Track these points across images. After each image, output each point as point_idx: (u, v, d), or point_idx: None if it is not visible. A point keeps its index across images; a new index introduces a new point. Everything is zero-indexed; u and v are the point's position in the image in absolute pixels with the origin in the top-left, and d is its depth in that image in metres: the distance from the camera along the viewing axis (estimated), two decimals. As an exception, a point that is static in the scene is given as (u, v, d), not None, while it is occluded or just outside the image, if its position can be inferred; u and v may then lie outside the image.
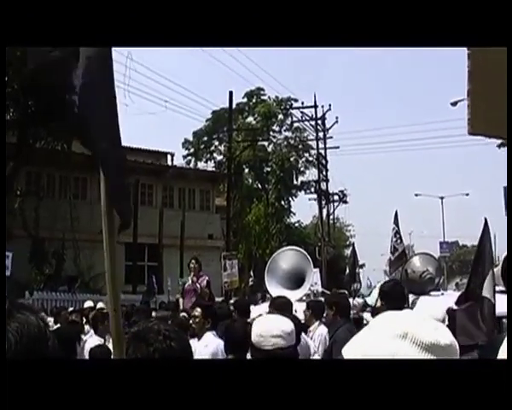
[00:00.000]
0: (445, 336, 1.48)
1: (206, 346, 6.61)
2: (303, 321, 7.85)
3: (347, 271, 16.44)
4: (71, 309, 14.92)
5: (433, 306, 5.94)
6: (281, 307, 6.99)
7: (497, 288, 6.27)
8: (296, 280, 10.84)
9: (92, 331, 9.35)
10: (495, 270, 6.51)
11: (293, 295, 10.11)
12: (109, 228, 2.38)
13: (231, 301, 10.19)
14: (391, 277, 11.40)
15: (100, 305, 13.55)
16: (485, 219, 6.18)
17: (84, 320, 11.88)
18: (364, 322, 9.83)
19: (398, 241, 10.09)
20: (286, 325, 3.96)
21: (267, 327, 3.91)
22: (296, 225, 50.74)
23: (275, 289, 10.51)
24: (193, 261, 12.36)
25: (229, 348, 5.18)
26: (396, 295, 6.31)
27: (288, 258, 11.40)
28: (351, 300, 11.97)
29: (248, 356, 4.19)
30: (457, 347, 1.49)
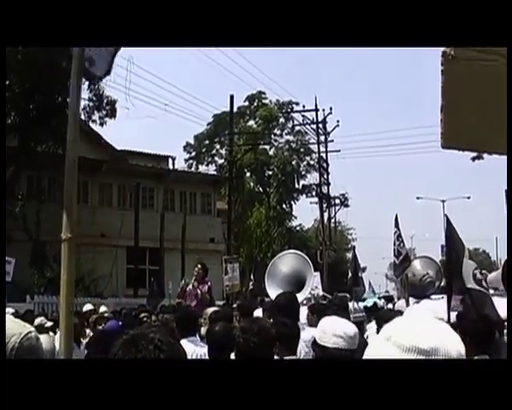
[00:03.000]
0: (428, 341, 1.48)
1: None
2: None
3: (350, 274, 16.46)
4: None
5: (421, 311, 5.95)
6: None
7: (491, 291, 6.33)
8: (296, 284, 10.80)
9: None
10: (494, 274, 6.52)
11: (293, 299, 10.09)
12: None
13: (234, 305, 10.18)
14: (397, 280, 11.43)
15: (103, 309, 13.45)
16: (447, 217, 6.32)
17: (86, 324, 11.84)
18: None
19: (402, 244, 10.05)
20: (350, 328, 4.05)
21: (332, 325, 4.01)
22: (297, 228, 50.76)
23: (275, 293, 10.47)
24: (198, 266, 12.39)
25: (211, 352, 5.17)
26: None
27: (288, 261, 11.36)
28: (352, 303, 11.98)
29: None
30: (449, 350, 1.48)
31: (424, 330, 1.51)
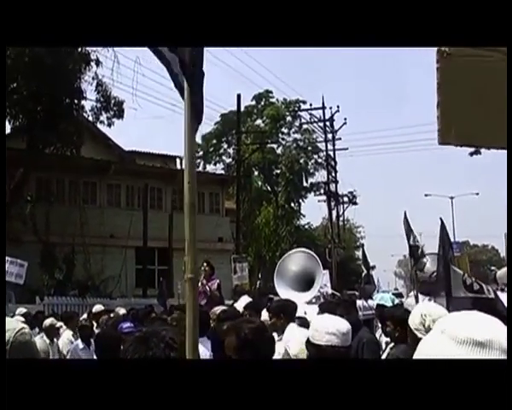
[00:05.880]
0: (483, 333, 1.50)
1: None
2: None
3: (364, 272, 16.41)
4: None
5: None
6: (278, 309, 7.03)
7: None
8: (305, 282, 10.81)
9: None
10: (504, 270, 6.52)
11: (302, 298, 10.09)
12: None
13: (241, 304, 10.12)
14: (406, 277, 11.34)
15: (122, 311, 13.36)
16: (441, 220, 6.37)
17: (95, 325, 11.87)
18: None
19: (416, 239, 9.97)
20: (342, 325, 4.04)
21: (324, 323, 4.02)
22: (306, 226, 50.73)
23: (284, 292, 10.49)
24: (204, 264, 12.39)
25: (214, 349, 5.17)
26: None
27: (297, 260, 11.37)
28: (361, 301, 11.96)
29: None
30: (503, 343, 1.49)
31: (478, 323, 1.54)
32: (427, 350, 1.57)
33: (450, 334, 1.51)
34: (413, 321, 4.57)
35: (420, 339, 4.76)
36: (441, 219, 6.58)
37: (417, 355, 1.60)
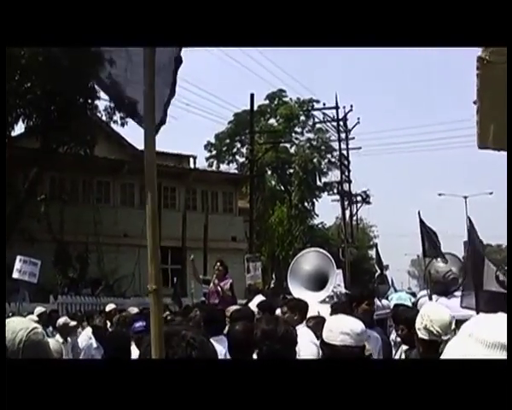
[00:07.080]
0: None
1: None
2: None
3: (378, 272, 16.35)
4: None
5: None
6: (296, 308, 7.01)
7: None
8: (319, 282, 10.78)
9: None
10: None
11: (316, 297, 10.06)
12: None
13: (254, 303, 10.10)
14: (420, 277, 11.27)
15: (135, 310, 13.35)
16: (469, 219, 6.40)
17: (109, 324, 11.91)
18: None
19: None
20: (356, 325, 4.05)
21: (338, 324, 4.03)
22: (319, 226, 50.67)
23: (297, 291, 10.46)
24: (218, 264, 12.40)
25: (230, 351, 5.16)
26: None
27: (310, 259, 11.33)
28: (374, 301, 11.88)
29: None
30: None
31: (505, 327, 1.50)
32: (454, 353, 1.54)
33: (477, 337, 1.48)
34: (416, 321, 4.63)
35: (421, 339, 4.73)
36: (469, 217, 6.64)
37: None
